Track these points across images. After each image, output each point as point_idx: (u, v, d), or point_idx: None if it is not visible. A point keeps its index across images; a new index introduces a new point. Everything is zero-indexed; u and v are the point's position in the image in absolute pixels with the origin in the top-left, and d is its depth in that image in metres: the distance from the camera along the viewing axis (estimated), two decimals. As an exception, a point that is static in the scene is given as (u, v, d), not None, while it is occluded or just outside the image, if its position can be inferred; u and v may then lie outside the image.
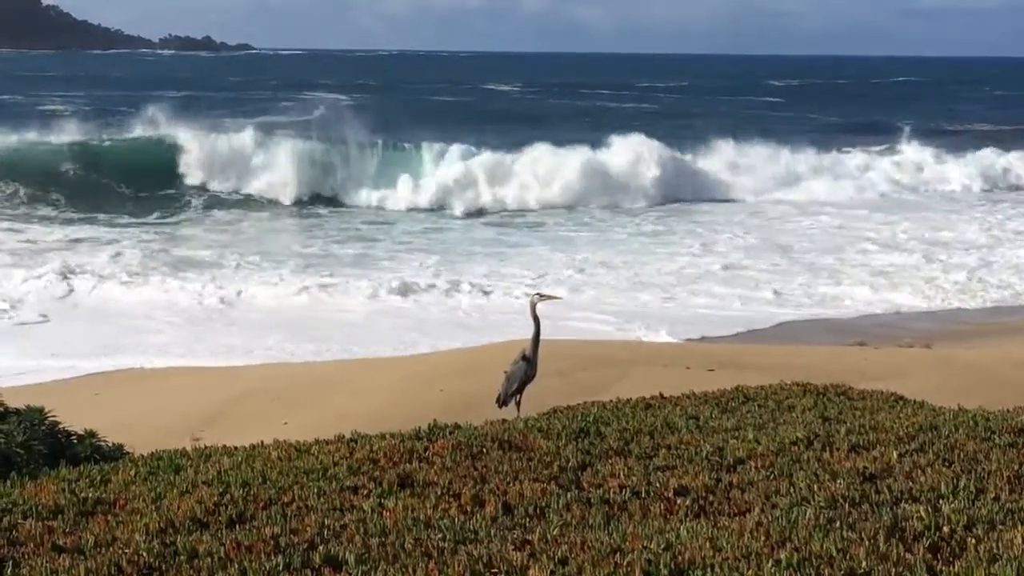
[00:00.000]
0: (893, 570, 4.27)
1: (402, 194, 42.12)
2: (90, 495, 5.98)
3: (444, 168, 44.25)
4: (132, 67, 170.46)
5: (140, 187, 41.25)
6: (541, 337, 9.37)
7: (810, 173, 48.23)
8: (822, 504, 5.25)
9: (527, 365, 9.29)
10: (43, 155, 43.14)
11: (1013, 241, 34.63)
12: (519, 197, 42.26)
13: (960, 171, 50.26)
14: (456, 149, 46.19)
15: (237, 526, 5.36)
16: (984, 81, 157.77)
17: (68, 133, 46.60)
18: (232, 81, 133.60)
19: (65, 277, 25.99)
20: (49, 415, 7.49)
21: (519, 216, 40.30)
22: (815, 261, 30.68)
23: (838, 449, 6.39)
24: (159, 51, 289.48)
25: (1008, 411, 7.80)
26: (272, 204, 41.65)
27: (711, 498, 5.58)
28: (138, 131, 47.66)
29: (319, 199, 42.30)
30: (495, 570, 4.46)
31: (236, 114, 63.88)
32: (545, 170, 43.76)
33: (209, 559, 4.77)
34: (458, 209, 40.90)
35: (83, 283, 25.95)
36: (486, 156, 45.16)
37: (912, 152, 53.18)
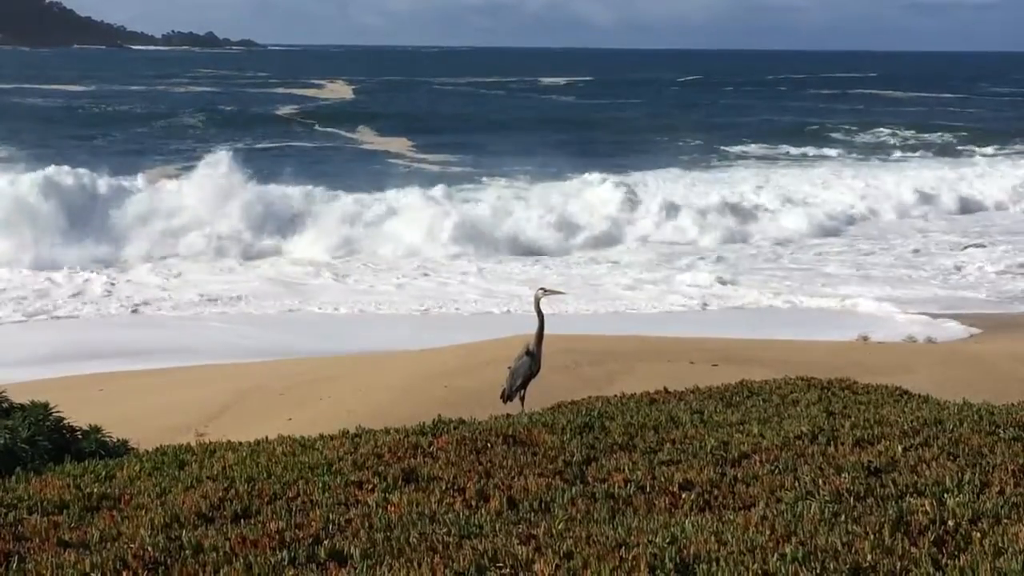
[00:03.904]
0: (898, 564, 4.27)
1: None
2: (95, 490, 5.99)
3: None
4: (121, 64, 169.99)
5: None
6: (545, 332, 9.37)
7: None
8: (827, 498, 5.25)
9: (531, 360, 9.29)
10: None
11: None
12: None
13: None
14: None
15: (242, 521, 5.37)
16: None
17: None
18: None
19: None
20: (54, 411, 7.49)
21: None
22: None
23: (843, 443, 6.38)
24: (162, 47, 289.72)
25: (1013, 405, 7.79)
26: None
27: (716, 492, 5.58)
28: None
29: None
30: (500, 564, 4.46)
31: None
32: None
33: (214, 554, 4.77)
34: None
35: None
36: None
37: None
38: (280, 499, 5.70)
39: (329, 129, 70.81)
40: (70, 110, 76.61)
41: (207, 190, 34.17)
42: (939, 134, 71.23)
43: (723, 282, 27.38)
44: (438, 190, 38.36)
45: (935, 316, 23.28)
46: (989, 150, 63.48)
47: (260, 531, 5.04)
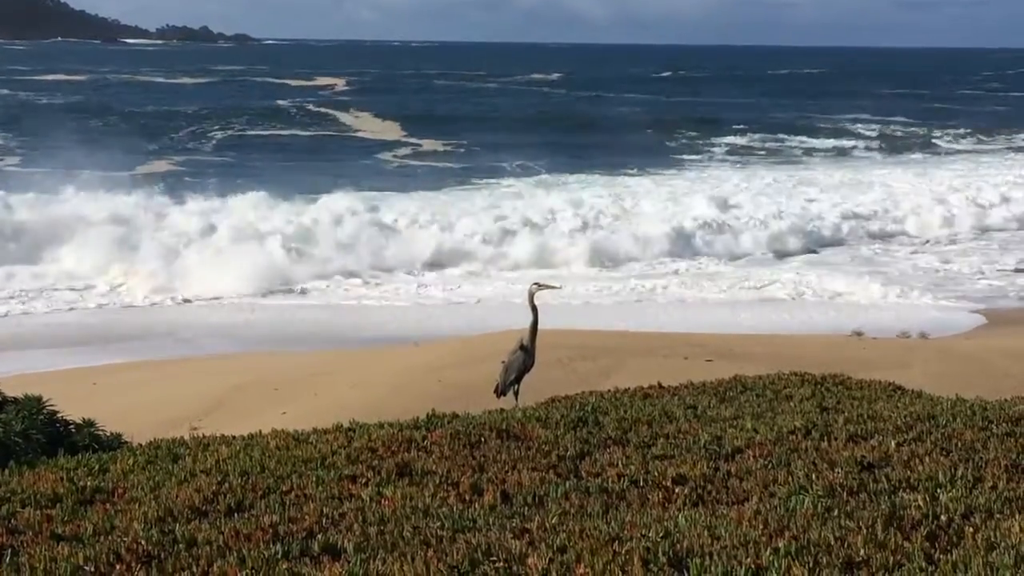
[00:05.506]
0: (891, 558, 4.28)
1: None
2: (89, 484, 5.98)
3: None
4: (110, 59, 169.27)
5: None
6: (539, 327, 9.37)
7: None
8: (820, 493, 5.26)
9: (525, 355, 9.29)
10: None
11: None
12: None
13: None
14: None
15: (236, 515, 5.36)
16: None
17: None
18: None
19: None
20: (47, 404, 7.48)
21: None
22: None
23: (836, 438, 6.39)
24: (156, 41, 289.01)
25: (1005, 401, 7.81)
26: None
27: (709, 487, 5.58)
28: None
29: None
30: (494, 558, 4.46)
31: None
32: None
33: (208, 547, 4.77)
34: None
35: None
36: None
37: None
38: (274, 493, 5.70)
39: (323, 122, 70.81)
40: (65, 104, 76.46)
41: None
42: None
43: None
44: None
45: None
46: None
47: (254, 525, 5.03)
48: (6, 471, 6.38)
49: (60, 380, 15.94)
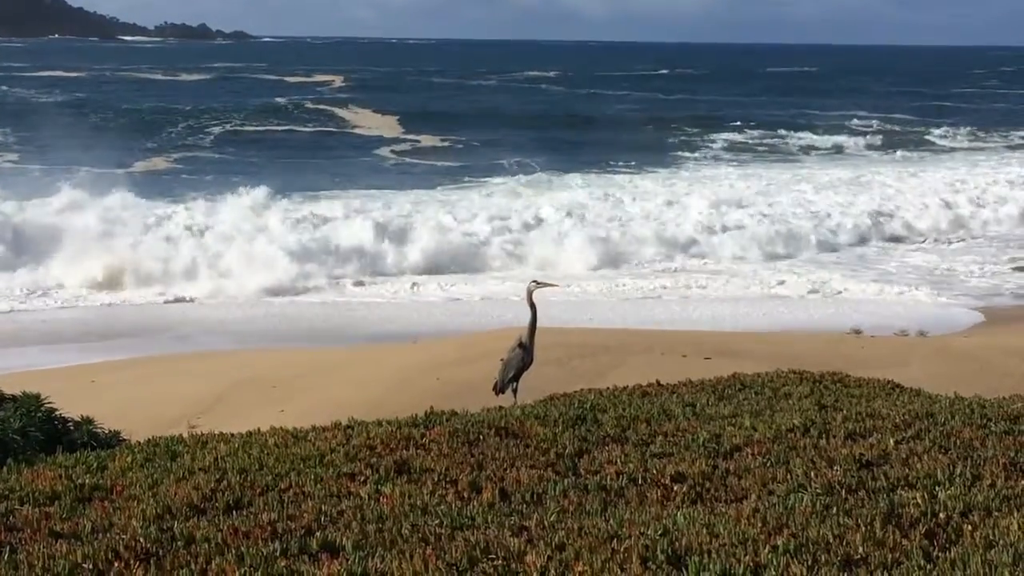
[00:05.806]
0: (889, 556, 4.28)
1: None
2: (87, 481, 5.98)
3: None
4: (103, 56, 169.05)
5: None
6: (538, 324, 9.38)
7: None
8: (819, 491, 5.26)
9: (524, 352, 9.29)
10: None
11: None
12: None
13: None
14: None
15: (234, 512, 5.37)
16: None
17: None
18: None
19: None
20: (46, 402, 7.48)
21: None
22: None
23: (834, 436, 6.40)
24: (155, 39, 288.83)
25: (1004, 399, 7.82)
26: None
27: (708, 485, 5.59)
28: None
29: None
30: (492, 556, 4.46)
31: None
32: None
33: (206, 545, 4.77)
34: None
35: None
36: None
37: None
38: (272, 490, 5.70)
39: (321, 119, 70.81)
40: (63, 101, 76.40)
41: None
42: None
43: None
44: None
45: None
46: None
47: (252, 522, 5.03)
48: (4, 468, 6.37)
49: (58, 377, 15.92)
